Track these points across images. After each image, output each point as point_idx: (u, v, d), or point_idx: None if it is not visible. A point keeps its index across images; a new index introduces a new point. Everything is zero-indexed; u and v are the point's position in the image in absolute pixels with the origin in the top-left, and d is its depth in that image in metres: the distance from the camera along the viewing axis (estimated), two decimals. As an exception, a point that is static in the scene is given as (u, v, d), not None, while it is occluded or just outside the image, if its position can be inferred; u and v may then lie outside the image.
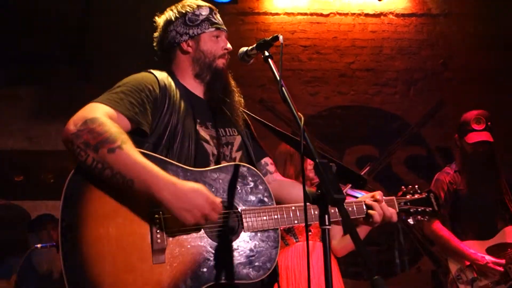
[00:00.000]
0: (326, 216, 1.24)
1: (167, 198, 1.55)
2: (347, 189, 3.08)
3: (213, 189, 1.71)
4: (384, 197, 2.00)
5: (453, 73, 5.84)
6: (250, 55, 1.92)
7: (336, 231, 3.45)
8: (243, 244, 1.71)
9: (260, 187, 1.80)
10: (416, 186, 2.21)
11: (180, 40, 1.98)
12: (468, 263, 3.46)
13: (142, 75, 1.88)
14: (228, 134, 1.96)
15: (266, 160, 2.14)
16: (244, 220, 1.72)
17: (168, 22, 2.02)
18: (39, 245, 3.15)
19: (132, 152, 1.58)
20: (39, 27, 5.39)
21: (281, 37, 1.72)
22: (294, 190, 2.05)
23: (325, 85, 5.80)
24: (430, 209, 2.12)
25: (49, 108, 5.59)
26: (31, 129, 5.53)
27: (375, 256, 5.35)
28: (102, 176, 1.59)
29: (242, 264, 1.69)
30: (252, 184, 1.79)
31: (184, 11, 2.00)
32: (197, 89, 1.99)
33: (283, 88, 1.59)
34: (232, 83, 2.04)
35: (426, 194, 2.17)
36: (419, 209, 2.12)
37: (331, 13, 5.93)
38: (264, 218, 1.74)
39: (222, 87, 1.98)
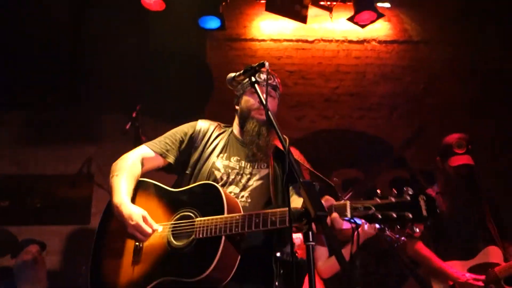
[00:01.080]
0: (310, 233, 1.31)
1: (116, 213, 2.14)
2: (346, 218, 3.15)
3: (184, 203, 2.17)
4: (336, 203, 1.86)
5: (434, 98, 5.99)
6: (238, 80, 2.00)
7: (321, 252, 3.52)
8: (191, 247, 2.04)
9: (217, 201, 2.06)
10: (405, 189, 1.81)
11: (236, 101, 2.53)
12: (451, 283, 3.53)
13: (187, 123, 2.49)
14: (255, 167, 2.35)
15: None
16: (196, 227, 2.05)
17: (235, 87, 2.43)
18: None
19: (117, 179, 2.24)
20: (27, 52, 5.45)
21: (267, 64, 1.82)
22: None
23: (311, 109, 5.92)
24: (411, 215, 1.72)
25: (36, 133, 5.61)
26: (19, 154, 5.53)
27: (361, 278, 5.38)
28: None
29: (187, 264, 2.01)
30: (212, 198, 2.08)
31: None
32: (240, 134, 2.46)
33: (268, 112, 1.68)
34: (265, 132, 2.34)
35: (411, 197, 1.76)
36: (392, 215, 1.73)
37: (316, 39, 6.11)
38: (210, 228, 2.01)
39: (254, 133, 2.34)
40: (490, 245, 3.59)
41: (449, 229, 3.66)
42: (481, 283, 3.42)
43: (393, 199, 1.78)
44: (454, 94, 5.94)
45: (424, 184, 5.19)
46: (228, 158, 2.37)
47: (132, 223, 2.08)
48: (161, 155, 2.38)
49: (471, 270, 3.53)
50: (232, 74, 2.04)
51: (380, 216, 1.74)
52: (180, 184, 2.32)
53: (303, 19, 5.58)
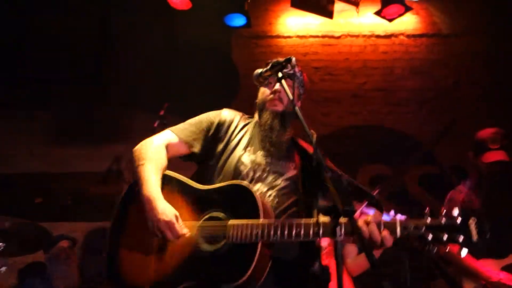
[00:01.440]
0: (338, 228, 1.29)
1: (147, 207, 2.03)
2: (363, 207, 3.11)
3: (213, 203, 2.06)
4: (387, 219, 1.83)
5: (465, 92, 5.87)
6: (264, 76, 2.00)
7: (350, 249, 3.48)
8: (223, 251, 1.93)
9: (251, 204, 1.95)
10: (455, 211, 1.79)
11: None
12: (484, 282, 3.44)
13: (212, 112, 2.39)
14: (281, 166, 2.24)
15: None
16: (229, 231, 1.93)
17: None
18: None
19: (147, 169, 2.11)
20: (59, 53, 5.57)
21: (293, 59, 1.80)
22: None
23: (338, 105, 5.87)
24: (462, 237, 1.72)
25: (67, 131, 5.73)
26: (50, 152, 5.66)
27: (387, 278, 5.31)
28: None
29: (219, 269, 1.91)
30: (244, 201, 1.97)
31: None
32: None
33: (295, 108, 1.67)
34: (277, 126, 2.27)
35: (461, 220, 1.75)
36: (443, 237, 1.73)
37: (342, 35, 6.05)
38: (245, 233, 1.90)
39: (267, 126, 2.27)
40: (525, 243, 3.50)
41: (481, 226, 3.57)
42: None
43: (443, 221, 1.77)
44: (485, 88, 5.80)
45: (455, 181, 5.08)
46: (255, 152, 2.25)
47: (166, 219, 1.98)
48: (187, 143, 2.27)
49: (504, 269, 3.45)
50: (259, 70, 2.04)
51: (430, 237, 1.74)
52: (203, 176, 2.22)
53: (329, 14, 5.54)
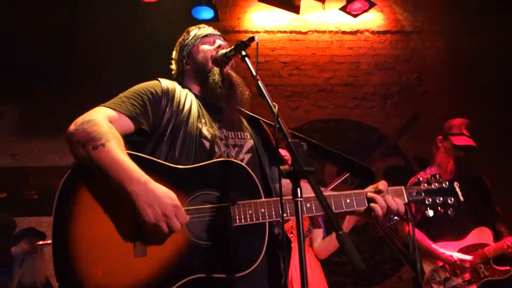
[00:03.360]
0: (298, 189, 1.35)
1: (135, 192, 1.61)
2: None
3: (200, 184, 1.76)
4: (390, 187, 1.91)
5: (427, 87, 6.07)
6: (229, 56, 2.04)
7: (318, 234, 3.57)
8: (228, 237, 1.71)
9: (249, 181, 1.79)
10: (437, 175, 2.00)
11: (182, 64, 2.21)
12: (441, 263, 3.58)
13: (147, 82, 2.03)
14: (237, 137, 2.04)
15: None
16: (231, 214, 1.72)
17: (174, 56, 2.29)
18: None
19: (113, 149, 1.67)
20: (22, 45, 5.47)
21: (256, 37, 1.84)
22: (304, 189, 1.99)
23: (305, 99, 5.98)
24: (452, 199, 1.91)
25: (32, 125, 5.63)
26: (14, 146, 5.56)
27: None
28: (89, 169, 1.70)
29: (225, 257, 1.68)
30: (240, 178, 1.79)
31: (178, 42, 2.27)
32: (205, 94, 2.10)
33: (259, 82, 1.71)
34: (234, 78, 2.10)
35: (448, 183, 1.96)
36: (438, 200, 1.91)
37: (309, 31, 6.16)
38: (250, 212, 1.73)
39: (220, 83, 2.06)
40: (481, 226, 3.63)
41: (441, 210, 3.71)
42: (468, 264, 3.46)
43: (435, 186, 1.95)
44: (446, 83, 6.01)
45: (416, 170, 5.25)
46: (210, 124, 1.99)
47: (174, 203, 1.63)
48: (131, 118, 1.85)
49: (461, 251, 3.57)
50: (224, 51, 2.06)
51: (428, 201, 1.92)
52: (160, 157, 1.84)
53: (296, 9, 5.64)
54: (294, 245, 3.27)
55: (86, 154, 1.68)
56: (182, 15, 5.26)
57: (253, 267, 1.68)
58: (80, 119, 1.77)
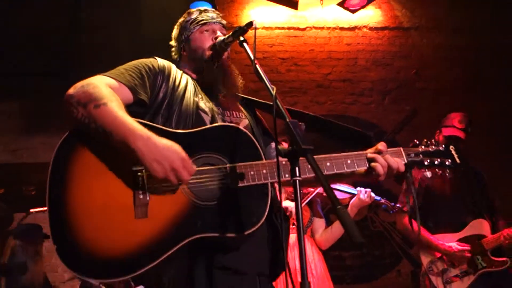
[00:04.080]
0: (297, 168, 1.36)
1: (140, 148, 1.59)
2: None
3: (201, 148, 1.75)
4: (389, 149, 1.94)
5: (425, 83, 6.09)
6: (227, 43, 2.04)
7: (319, 224, 3.58)
8: (230, 198, 1.70)
9: (249, 145, 1.80)
10: (433, 140, 2.08)
11: (180, 48, 2.22)
12: (439, 255, 3.59)
13: (144, 58, 2.03)
14: (233, 115, 2.04)
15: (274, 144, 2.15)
16: (231, 175, 1.72)
17: (174, 35, 2.28)
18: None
19: (115, 108, 1.66)
20: (22, 42, 5.47)
21: (255, 22, 1.86)
22: None
23: (303, 95, 5.99)
24: (450, 161, 2.00)
25: (32, 122, 5.63)
26: (14, 142, 5.56)
27: (356, 260, 5.46)
28: (89, 130, 1.68)
29: (227, 218, 1.67)
30: (241, 142, 1.80)
31: (179, 23, 2.25)
32: (202, 81, 2.11)
33: (257, 66, 1.72)
34: (231, 69, 2.15)
35: (444, 146, 2.04)
36: (436, 161, 1.98)
37: (307, 27, 6.17)
38: (252, 173, 1.72)
39: (217, 73, 2.08)
40: (479, 218, 3.65)
41: (438, 202, 3.73)
42: (467, 254, 3.48)
43: (431, 148, 2.02)
44: (444, 79, 6.03)
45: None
46: (207, 100, 2.01)
47: (182, 155, 1.62)
48: (131, 88, 1.85)
49: (459, 242, 3.58)
50: (222, 37, 2.07)
51: (427, 162, 1.98)
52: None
53: (294, 5, 5.64)
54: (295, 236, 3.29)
55: (87, 113, 1.66)
56: (181, 10, 5.25)
57: (256, 227, 1.68)
58: (79, 84, 1.78)
